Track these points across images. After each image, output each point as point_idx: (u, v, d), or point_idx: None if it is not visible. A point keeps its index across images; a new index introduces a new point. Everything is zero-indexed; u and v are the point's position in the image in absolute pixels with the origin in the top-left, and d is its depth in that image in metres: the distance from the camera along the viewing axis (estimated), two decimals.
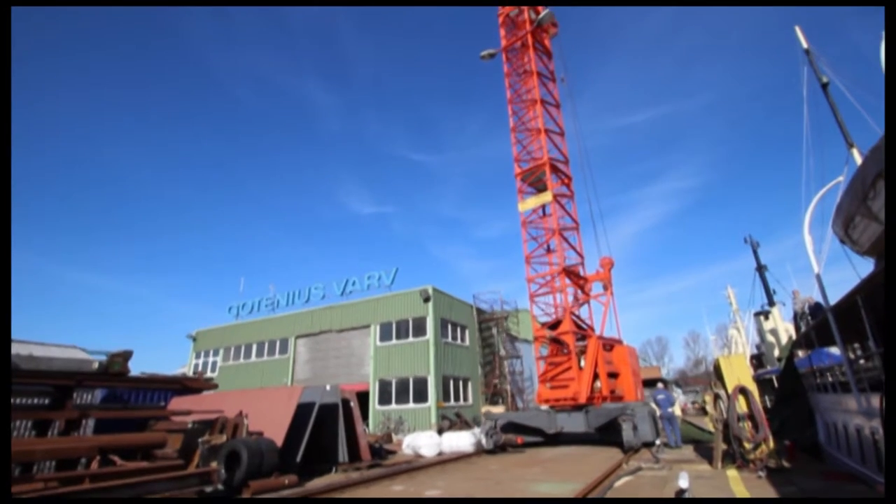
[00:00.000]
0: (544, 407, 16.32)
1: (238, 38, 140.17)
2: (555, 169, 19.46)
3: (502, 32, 22.20)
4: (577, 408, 15.11)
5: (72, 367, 10.20)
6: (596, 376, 16.20)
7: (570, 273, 18.13)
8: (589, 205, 20.60)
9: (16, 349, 10.38)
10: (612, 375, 17.24)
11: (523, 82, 20.93)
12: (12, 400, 9.70)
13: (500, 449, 14.83)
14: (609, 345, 17.79)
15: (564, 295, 17.42)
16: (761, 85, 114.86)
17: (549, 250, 19.08)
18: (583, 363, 16.28)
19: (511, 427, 15.88)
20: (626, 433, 13.08)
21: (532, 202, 19.32)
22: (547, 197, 18.69)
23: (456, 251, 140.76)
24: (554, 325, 17.54)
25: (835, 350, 10.21)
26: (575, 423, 14.83)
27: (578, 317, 17.83)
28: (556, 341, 17.09)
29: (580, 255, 19.23)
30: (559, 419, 15.18)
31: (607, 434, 14.26)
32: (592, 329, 17.82)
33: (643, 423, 13.96)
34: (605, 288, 18.68)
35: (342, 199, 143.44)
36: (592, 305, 18.85)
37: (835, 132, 12.13)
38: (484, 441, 14.78)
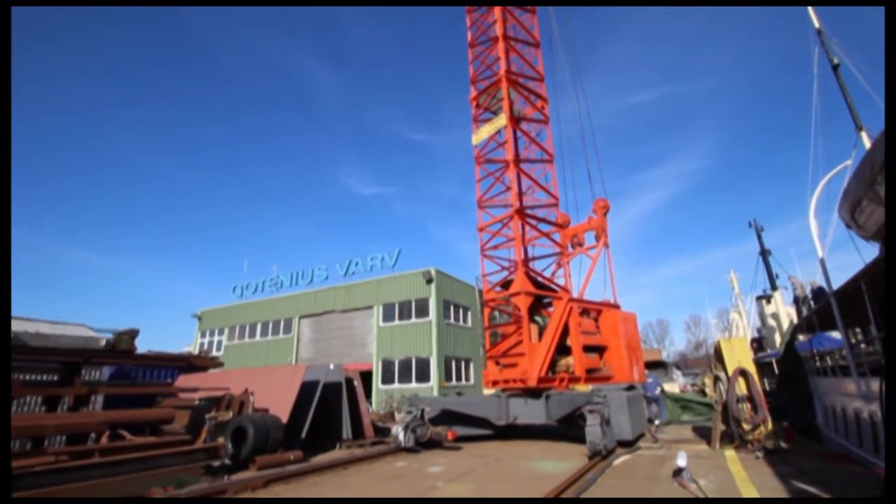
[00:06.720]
0: (494, 391, 13.07)
1: (235, 15, 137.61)
2: (518, 85, 15.48)
3: None
4: (535, 393, 11.78)
5: (79, 345, 10.34)
6: (567, 350, 13.04)
7: (529, 216, 14.44)
8: (588, 176, 18.26)
9: (24, 327, 10.53)
10: (596, 349, 13.89)
11: None
12: (22, 376, 9.88)
13: (424, 446, 11.15)
14: (595, 310, 14.39)
15: (517, 243, 13.79)
16: (770, 67, 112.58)
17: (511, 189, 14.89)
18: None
19: (448, 417, 12.61)
20: (591, 430, 9.41)
21: (486, 130, 15.32)
22: (501, 121, 14.72)
23: (457, 233, 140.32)
24: (507, 285, 14.01)
25: (835, 334, 10.23)
26: (532, 413, 11.56)
27: (536, 272, 14.26)
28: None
29: (553, 196, 15.21)
30: (512, 407, 11.93)
31: (573, 428, 10.70)
32: (566, 290, 14.05)
33: (620, 415, 10.52)
34: (598, 238, 15.23)
35: (343, 179, 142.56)
36: (582, 262, 15.39)
37: (844, 115, 11.94)
38: (401, 436, 10.95)
